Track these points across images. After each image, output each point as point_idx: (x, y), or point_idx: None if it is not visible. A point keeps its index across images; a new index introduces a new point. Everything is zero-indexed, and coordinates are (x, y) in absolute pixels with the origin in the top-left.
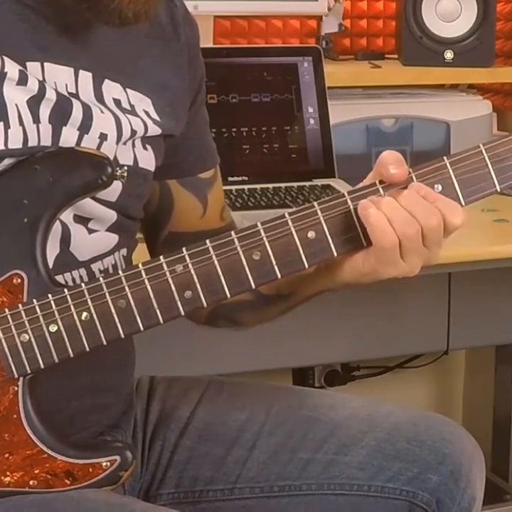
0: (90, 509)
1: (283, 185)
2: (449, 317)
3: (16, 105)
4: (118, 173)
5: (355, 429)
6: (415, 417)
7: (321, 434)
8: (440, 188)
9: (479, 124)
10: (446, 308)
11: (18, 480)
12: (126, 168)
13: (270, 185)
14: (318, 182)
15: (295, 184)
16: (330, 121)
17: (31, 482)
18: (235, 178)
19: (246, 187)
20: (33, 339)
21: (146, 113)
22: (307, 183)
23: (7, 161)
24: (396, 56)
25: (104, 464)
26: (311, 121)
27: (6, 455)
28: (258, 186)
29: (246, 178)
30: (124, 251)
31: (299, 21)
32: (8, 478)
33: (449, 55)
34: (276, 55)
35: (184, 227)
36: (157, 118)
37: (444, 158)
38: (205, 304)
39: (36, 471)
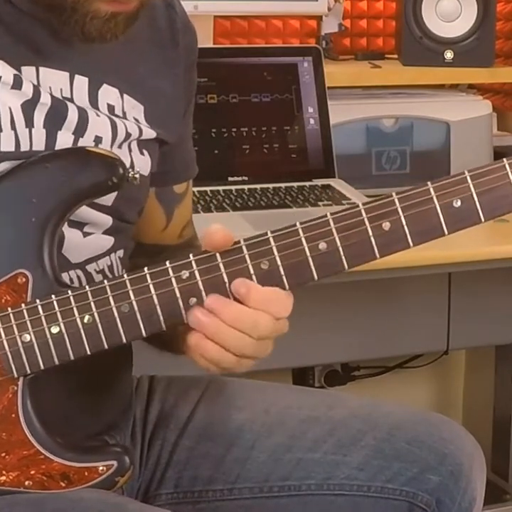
0: (84, 508)
1: (283, 185)
2: (449, 317)
3: (10, 109)
4: (130, 175)
5: (355, 429)
6: (415, 417)
7: (320, 433)
8: (459, 203)
9: (479, 124)
10: (446, 308)
11: (13, 480)
12: (139, 169)
13: (270, 185)
14: (318, 182)
15: (295, 184)
16: (330, 121)
17: (27, 482)
18: (235, 178)
19: (246, 187)
20: (34, 340)
21: (136, 120)
22: (307, 183)
23: (3, 166)
24: (396, 56)
25: (101, 468)
26: (311, 121)
27: (3, 454)
28: (258, 186)
29: (246, 178)
30: (120, 252)
31: (299, 21)
32: (3, 478)
33: (449, 55)
34: (276, 55)
35: (142, 238)
36: (146, 126)
37: (465, 171)
38: None
39: (32, 472)
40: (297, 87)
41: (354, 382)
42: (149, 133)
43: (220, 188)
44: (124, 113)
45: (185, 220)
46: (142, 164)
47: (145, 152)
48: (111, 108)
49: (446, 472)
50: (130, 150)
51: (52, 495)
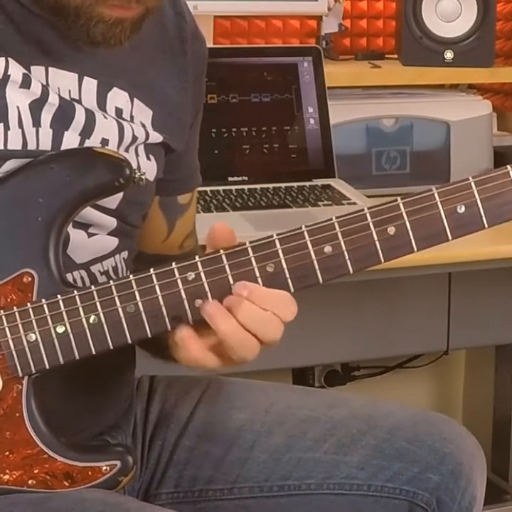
0: (86, 508)
1: (283, 185)
2: (449, 317)
3: (18, 108)
4: (136, 176)
5: (355, 429)
6: (415, 417)
7: (320, 433)
8: (463, 208)
9: (479, 124)
10: (446, 308)
11: (17, 479)
12: (144, 171)
13: (270, 185)
14: (318, 182)
15: (295, 184)
16: (330, 121)
17: (30, 482)
18: (235, 178)
19: (246, 187)
20: (39, 339)
21: (143, 125)
22: (307, 183)
23: (10, 164)
24: (396, 56)
25: (104, 468)
26: (311, 121)
27: (7, 453)
28: (258, 186)
29: (246, 178)
30: (125, 254)
31: (299, 21)
32: (7, 476)
33: (449, 55)
34: (276, 55)
35: (143, 247)
36: (153, 130)
37: (469, 177)
38: None
39: (35, 471)
40: (297, 87)
41: (354, 382)
42: (156, 137)
43: (220, 188)
44: (131, 117)
45: (187, 231)
46: (148, 169)
47: (151, 157)
48: (119, 111)
49: (446, 471)
50: (137, 154)
51: (53, 494)
